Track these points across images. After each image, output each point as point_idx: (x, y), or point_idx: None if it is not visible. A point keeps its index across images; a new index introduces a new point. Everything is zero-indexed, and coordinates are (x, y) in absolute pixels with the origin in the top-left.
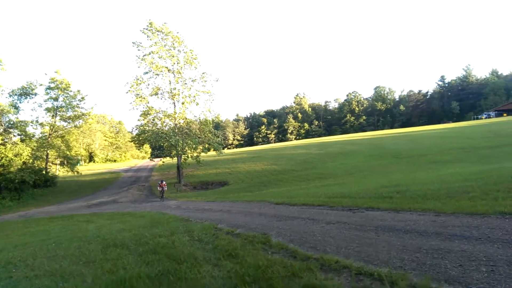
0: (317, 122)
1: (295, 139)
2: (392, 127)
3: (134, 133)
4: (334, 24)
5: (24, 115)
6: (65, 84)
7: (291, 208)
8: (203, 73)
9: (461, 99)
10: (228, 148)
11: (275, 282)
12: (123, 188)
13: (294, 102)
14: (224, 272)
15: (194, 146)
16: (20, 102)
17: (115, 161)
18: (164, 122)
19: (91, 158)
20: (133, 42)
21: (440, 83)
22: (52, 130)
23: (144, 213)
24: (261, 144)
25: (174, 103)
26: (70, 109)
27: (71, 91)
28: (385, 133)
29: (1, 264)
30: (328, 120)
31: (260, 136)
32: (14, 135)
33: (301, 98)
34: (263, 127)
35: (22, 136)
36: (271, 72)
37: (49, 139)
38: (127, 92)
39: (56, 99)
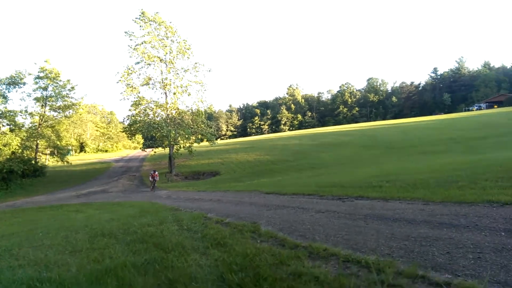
0: (310, 113)
1: (289, 130)
2: (384, 119)
3: (126, 123)
4: (327, 15)
5: (12, 105)
6: (54, 74)
7: (281, 198)
8: (196, 63)
9: (453, 91)
10: (222, 139)
11: (262, 270)
12: (113, 178)
13: (287, 93)
14: (211, 261)
15: (186, 136)
16: (8, 92)
17: (106, 151)
18: (156, 112)
19: (82, 148)
20: (125, 32)
21: (433, 75)
22: (42, 120)
23: (134, 203)
24: (255, 135)
25: (165, 93)
26: (60, 99)
27: (60, 80)
28: (378, 124)
29: None
30: (321, 112)
31: (254, 127)
32: (3, 125)
33: (294, 89)
34: (256, 118)
35: (11, 126)
36: (264, 62)
37: (39, 129)
38: (117, 82)
39: (45, 89)
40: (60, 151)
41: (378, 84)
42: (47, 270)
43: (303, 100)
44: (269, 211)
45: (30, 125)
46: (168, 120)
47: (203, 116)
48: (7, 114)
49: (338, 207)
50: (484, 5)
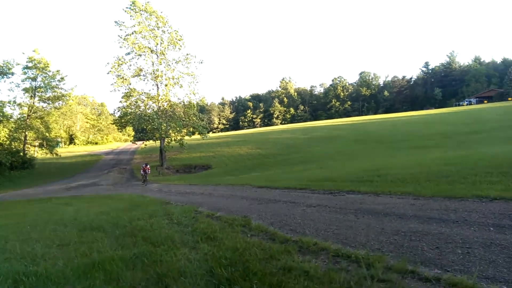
0: (302, 107)
1: (281, 123)
2: (376, 113)
3: (116, 115)
4: (320, 8)
5: (0, 96)
6: (43, 64)
7: (273, 192)
8: (187, 54)
9: (444, 85)
10: (214, 132)
11: (252, 265)
12: (103, 171)
13: (280, 87)
14: (201, 255)
15: (178, 129)
16: None
17: (96, 143)
18: (147, 104)
19: (71, 140)
20: (115, 21)
21: (424, 69)
22: (30, 111)
23: (124, 196)
24: (247, 128)
25: (157, 85)
26: (49, 90)
27: (50, 71)
28: (369, 119)
29: None
30: (313, 105)
31: (246, 120)
32: None
33: (287, 83)
34: (249, 111)
35: None
36: (257, 55)
37: (27, 120)
38: (108, 73)
39: (34, 79)
40: (49, 143)
41: (370, 78)
42: (34, 264)
43: (295, 94)
44: (260, 205)
45: (19, 116)
46: (160, 113)
47: (195, 108)
48: None
49: (329, 201)
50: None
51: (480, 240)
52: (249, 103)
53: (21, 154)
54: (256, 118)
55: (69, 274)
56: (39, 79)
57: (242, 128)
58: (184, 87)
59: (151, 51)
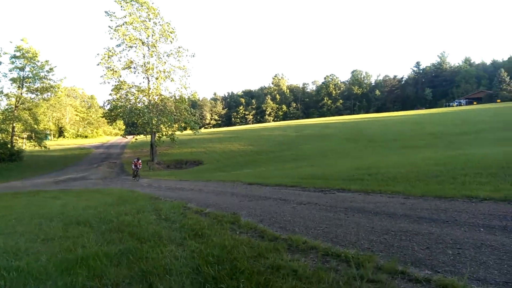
0: (295, 104)
1: (273, 120)
2: (367, 112)
3: (106, 108)
4: (313, 5)
5: None
6: (32, 53)
7: (264, 189)
8: (179, 47)
9: (435, 86)
10: (205, 128)
11: (239, 263)
12: (93, 164)
13: (272, 83)
14: (188, 252)
15: (169, 124)
16: None
17: (86, 137)
18: (137, 97)
19: (61, 133)
20: (105, 12)
21: (415, 69)
22: (18, 102)
23: (113, 191)
24: (239, 125)
25: (148, 78)
26: (38, 80)
27: (38, 61)
28: (361, 118)
29: None
30: (305, 103)
31: (238, 116)
32: None
33: (280, 79)
34: (241, 107)
35: None
36: (250, 50)
37: (15, 111)
38: (97, 65)
39: (22, 69)
40: (37, 135)
41: (362, 76)
42: (16, 258)
43: (288, 91)
44: (251, 202)
45: (6, 107)
46: (150, 107)
47: (186, 103)
48: None
49: (319, 199)
50: (466, 1)
51: (471, 240)
52: (241, 99)
53: (9, 146)
54: (248, 114)
55: (51, 270)
56: (27, 69)
57: (234, 124)
58: (175, 81)
59: (142, 43)
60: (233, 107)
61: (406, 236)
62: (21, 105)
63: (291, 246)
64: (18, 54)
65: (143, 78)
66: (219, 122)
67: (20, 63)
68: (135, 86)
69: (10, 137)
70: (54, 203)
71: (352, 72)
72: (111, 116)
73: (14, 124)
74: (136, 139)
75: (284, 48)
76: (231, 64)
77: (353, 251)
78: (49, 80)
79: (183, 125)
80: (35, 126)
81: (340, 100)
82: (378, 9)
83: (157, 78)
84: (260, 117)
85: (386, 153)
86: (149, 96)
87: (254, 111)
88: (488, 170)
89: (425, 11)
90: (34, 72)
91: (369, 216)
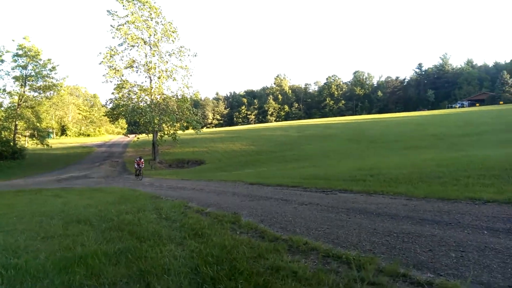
0: (297, 104)
1: (275, 121)
2: (370, 113)
3: (108, 107)
4: (316, 6)
5: None
6: (34, 52)
7: (265, 188)
8: (181, 47)
9: (437, 87)
10: (208, 127)
11: (239, 263)
12: (95, 163)
13: (274, 83)
14: (187, 252)
15: (171, 123)
16: None
17: (88, 135)
18: (140, 96)
19: (63, 131)
20: (107, 11)
21: (417, 70)
22: (21, 100)
23: (115, 189)
24: (241, 125)
25: (150, 78)
26: (40, 79)
27: (40, 59)
28: (362, 118)
29: None
30: (308, 103)
31: (240, 116)
32: None
33: (282, 80)
34: (243, 107)
35: None
36: (252, 51)
37: (18, 109)
38: (100, 63)
39: (25, 67)
40: (40, 133)
41: (364, 77)
42: (15, 256)
43: (290, 91)
44: (252, 202)
45: (9, 105)
46: (153, 106)
47: (189, 102)
48: None
49: (321, 199)
50: (468, 3)
51: (474, 243)
52: (243, 99)
53: (11, 144)
54: (250, 114)
55: (49, 268)
56: (29, 67)
57: (236, 124)
58: (177, 80)
59: (144, 42)
60: (235, 107)
61: (408, 238)
62: (24, 103)
63: (291, 247)
64: (20, 52)
65: (145, 77)
66: (221, 121)
67: (22, 62)
68: (137, 85)
69: (12, 135)
70: (55, 201)
71: (354, 73)
72: (113, 114)
73: (17, 122)
74: (138, 138)
75: (286, 48)
76: (233, 64)
77: (355, 252)
78: (52, 78)
79: (185, 124)
80: (38, 124)
81: (342, 101)
82: (381, 10)
83: (159, 78)
84: (262, 117)
85: (388, 154)
86: (151, 95)
87: (256, 111)
88: (491, 172)
89: (427, 12)
90: (37, 70)
91: (371, 217)
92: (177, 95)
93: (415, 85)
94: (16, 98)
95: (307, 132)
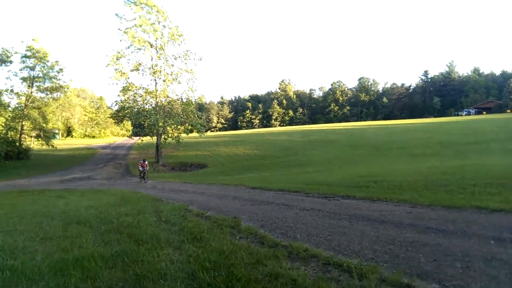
0: (301, 109)
1: (279, 125)
2: (374, 119)
3: (114, 109)
4: (322, 12)
5: None
6: (42, 53)
7: (267, 193)
8: (187, 50)
9: (443, 95)
10: (212, 131)
11: (236, 270)
12: (99, 165)
13: (279, 88)
14: (184, 256)
15: (175, 125)
16: None
17: (93, 137)
18: (145, 99)
19: (69, 132)
20: (116, 14)
21: (423, 77)
22: (28, 101)
23: (116, 191)
24: (245, 129)
25: (155, 80)
26: (48, 80)
27: (48, 61)
28: (367, 125)
29: None
30: (312, 108)
31: (245, 120)
32: None
33: (286, 85)
34: (247, 111)
35: None
36: (257, 55)
37: (24, 110)
38: (106, 66)
39: (32, 69)
40: (45, 134)
41: (370, 84)
42: (12, 257)
43: (294, 96)
44: (253, 206)
45: (16, 105)
46: (157, 108)
47: (193, 106)
48: None
49: (323, 205)
50: (475, 11)
51: (480, 253)
52: (248, 103)
53: (17, 144)
54: (254, 119)
55: (45, 270)
56: (37, 68)
57: (240, 128)
58: (182, 83)
59: (151, 45)
60: (240, 111)
61: (412, 247)
62: (31, 104)
63: (291, 254)
64: (29, 53)
65: (151, 80)
66: (225, 125)
67: (30, 63)
68: (142, 88)
69: (18, 135)
70: (57, 202)
71: (359, 79)
72: (118, 116)
73: (23, 123)
74: (142, 141)
75: (291, 53)
76: (238, 69)
77: (356, 261)
78: (59, 80)
79: (189, 127)
80: (44, 125)
81: (347, 107)
82: (387, 17)
83: (164, 81)
84: (266, 121)
85: (393, 161)
86: (156, 98)
87: (260, 116)
88: (498, 180)
89: (433, 20)
90: (44, 72)
91: (374, 225)
92: (182, 98)
93: (421, 92)
94: (23, 98)
95: (311, 138)
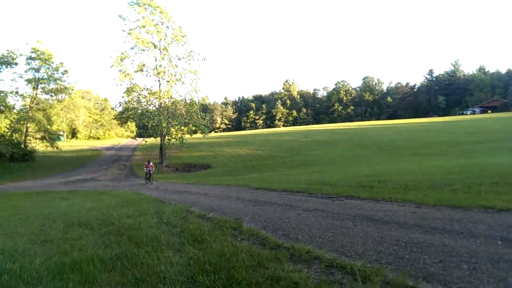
0: (305, 109)
1: (283, 126)
2: (379, 119)
3: (118, 110)
4: (325, 12)
5: (3, 86)
6: (47, 55)
7: (269, 194)
8: (191, 51)
9: (448, 93)
10: (216, 132)
11: (237, 272)
12: (103, 166)
13: (283, 88)
14: (185, 259)
15: (179, 126)
16: None
17: (98, 138)
18: (149, 100)
19: (73, 134)
20: (119, 15)
21: (428, 76)
22: (33, 103)
23: (119, 193)
24: (249, 129)
25: (159, 81)
26: (52, 82)
27: (53, 62)
28: (371, 124)
29: None
30: (316, 108)
31: (248, 121)
32: None
33: (290, 85)
34: (251, 112)
35: (1, 107)
36: (261, 56)
37: (29, 112)
38: (110, 67)
39: (37, 70)
40: (50, 136)
41: (374, 83)
42: (11, 260)
43: (298, 96)
44: (255, 207)
45: (21, 107)
46: (161, 109)
47: (197, 106)
48: None
49: (326, 206)
50: (481, 10)
51: (488, 254)
52: (251, 104)
53: (22, 146)
54: (258, 119)
55: (43, 274)
56: (42, 70)
57: (244, 129)
58: (186, 84)
59: (154, 46)
60: (243, 112)
61: (417, 248)
62: (36, 106)
63: (293, 256)
64: (34, 55)
65: (155, 81)
66: (229, 126)
67: (35, 65)
68: (146, 88)
69: (23, 137)
70: (60, 204)
71: (364, 78)
72: (122, 118)
73: (28, 125)
74: (146, 142)
75: (295, 53)
76: (242, 69)
77: (360, 263)
78: (63, 81)
79: (193, 128)
80: (49, 127)
81: (351, 107)
82: (391, 16)
83: (168, 81)
84: (270, 122)
85: (397, 161)
86: (160, 99)
87: (264, 116)
88: (504, 179)
89: (439, 19)
90: (49, 73)
91: (378, 225)
92: (185, 99)
93: (426, 91)
94: (28, 100)
95: (315, 138)
